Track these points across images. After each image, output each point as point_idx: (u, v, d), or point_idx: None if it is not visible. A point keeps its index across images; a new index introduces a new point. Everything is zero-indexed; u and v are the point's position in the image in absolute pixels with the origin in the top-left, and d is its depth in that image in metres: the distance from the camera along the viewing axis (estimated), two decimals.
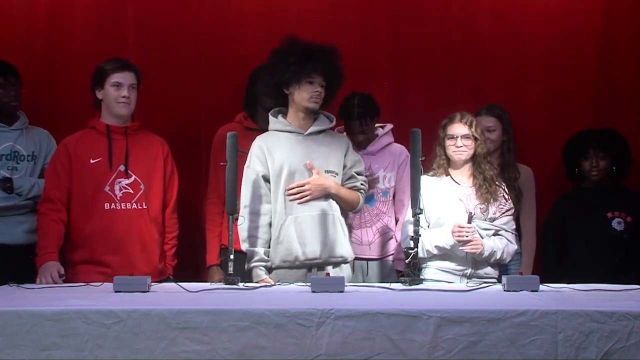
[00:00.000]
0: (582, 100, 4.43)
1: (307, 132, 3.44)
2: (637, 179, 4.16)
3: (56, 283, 3.21)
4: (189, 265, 3.94)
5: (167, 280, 3.54)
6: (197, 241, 3.98)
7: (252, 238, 3.35)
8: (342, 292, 2.86)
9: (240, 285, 3.04)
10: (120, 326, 2.47)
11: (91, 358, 2.46)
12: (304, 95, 3.37)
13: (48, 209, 3.46)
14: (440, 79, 4.41)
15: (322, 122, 3.48)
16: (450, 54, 4.42)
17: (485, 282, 3.27)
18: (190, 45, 4.40)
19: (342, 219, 3.45)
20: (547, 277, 3.27)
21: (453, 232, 3.37)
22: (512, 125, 4.04)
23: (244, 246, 3.36)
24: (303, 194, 3.34)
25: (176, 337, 2.47)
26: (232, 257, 3.13)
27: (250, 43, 4.38)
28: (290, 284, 3.18)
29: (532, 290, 2.89)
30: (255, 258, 3.33)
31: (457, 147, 3.50)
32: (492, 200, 3.50)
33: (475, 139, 3.52)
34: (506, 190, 3.61)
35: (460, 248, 3.38)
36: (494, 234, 3.51)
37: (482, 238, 3.44)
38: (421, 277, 3.37)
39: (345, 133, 3.84)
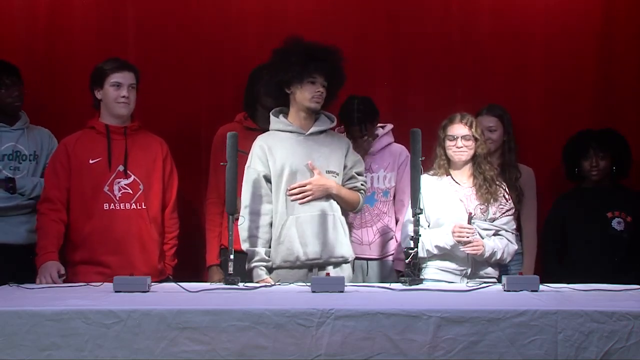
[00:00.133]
0: (582, 100, 4.43)
1: (308, 132, 3.44)
2: (637, 179, 4.16)
3: (56, 283, 3.21)
4: (189, 265, 3.94)
5: (166, 280, 3.54)
6: (197, 241, 3.98)
7: (253, 238, 3.35)
8: (342, 292, 2.86)
9: (240, 285, 3.04)
10: (120, 326, 2.47)
11: (91, 358, 2.46)
12: (305, 95, 3.38)
13: (48, 209, 3.46)
14: (440, 79, 4.41)
15: (323, 122, 3.49)
16: (450, 54, 4.42)
17: (485, 282, 3.27)
18: (190, 45, 4.40)
19: (343, 219, 3.46)
20: (547, 277, 3.27)
21: (453, 232, 3.38)
22: (512, 125, 4.04)
23: (245, 246, 3.36)
24: (304, 194, 3.35)
25: (176, 337, 2.47)
26: (232, 257, 3.12)
27: (250, 43, 4.38)
28: (290, 284, 3.18)
29: (532, 290, 2.89)
30: (256, 258, 3.33)
31: (457, 147, 3.50)
32: (492, 200, 3.50)
33: (476, 139, 3.52)
34: (507, 190, 3.61)
35: (462, 249, 3.38)
36: (494, 234, 3.52)
37: (483, 238, 3.44)
38: (421, 276, 3.37)
39: (345, 134, 3.84)
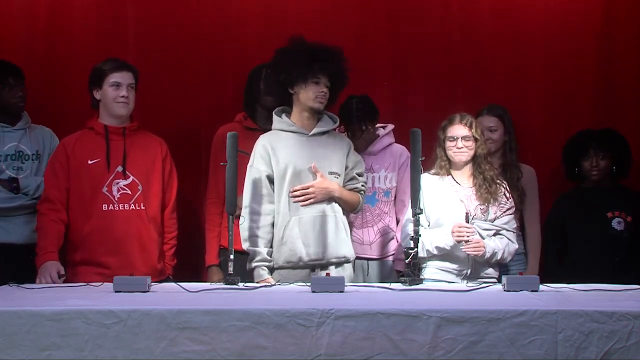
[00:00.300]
0: (582, 100, 4.43)
1: (311, 133, 3.45)
2: (637, 179, 4.16)
3: (56, 283, 3.21)
4: (189, 265, 3.94)
5: (166, 280, 3.54)
6: (197, 241, 3.98)
7: (255, 238, 3.35)
8: (342, 292, 2.86)
9: (240, 285, 3.04)
10: (120, 326, 2.47)
11: (91, 358, 2.46)
12: (309, 95, 3.39)
13: (48, 209, 3.46)
14: (440, 79, 4.41)
15: (326, 123, 3.50)
16: (450, 54, 4.42)
17: (485, 282, 3.27)
18: (190, 45, 4.40)
19: (345, 219, 3.48)
20: (547, 277, 3.27)
21: (453, 232, 3.38)
22: (513, 125, 4.04)
23: (246, 246, 3.36)
24: (307, 196, 3.36)
25: (176, 337, 2.46)
26: (232, 257, 3.12)
27: (250, 43, 4.38)
28: (290, 283, 3.18)
29: (532, 290, 2.89)
30: (258, 258, 3.34)
31: (457, 148, 3.50)
32: (492, 200, 3.50)
33: (476, 139, 3.52)
34: (507, 189, 3.61)
35: (462, 249, 3.37)
36: (495, 234, 3.51)
37: (483, 239, 3.44)
38: (421, 276, 3.37)
39: (345, 134, 3.85)
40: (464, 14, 4.45)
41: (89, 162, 3.53)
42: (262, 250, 3.35)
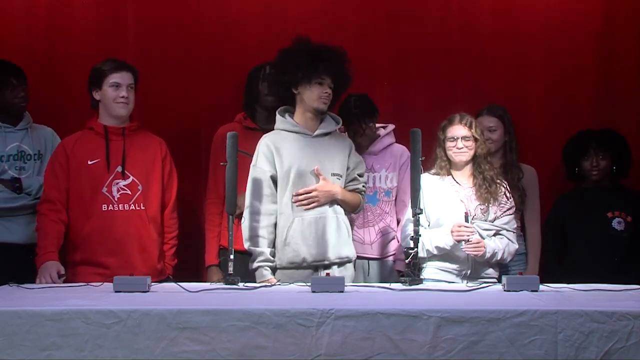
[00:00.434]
0: (582, 100, 4.43)
1: (314, 134, 3.46)
2: (637, 179, 4.16)
3: (56, 283, 3.21)
4: (189, 265, 3.94)
5: (166, 280, 3.54)
6: (197, 241, 3.98)
7: (257, 238, 3.36)
8: (342, 292, 2.86)
9: (240, 285, 3.04)
10: (120, 326, 2.47)
11: (91, 358, 2.46)
12: (313, 95, 3.40)
13: (48, 210, 3.46)
14: (440, 79, 4.41)
15: (329, 123, 3.51)
16: (450, 54, 4.42)
17: (485, 282, 3.27)
18: (190, 45, 4.40)
19: (346, 220, 3.50)
20: (547, 277, 3.27)
21: (452, 232, 3.37)
22: (513, 125, 4.04)
23: (248, 245, 3.37)
24: (310, 200, 3.37)
25: (176, 337, 2.46)
26: (232, 257, 3.12)
27: (250, 43, 4.38)
28: (290, 283, 3.18)
29: (532, 290, 2.89)
30: (261, 258, 3.34)
31: (458, 148, 3.50)
32: (492, 200, 3.50)
33: (476, 139, 3.52)
34: (508, 189, 3.60)
35: (463, 249, 3.37)
36: (495, 234, 3.51)
37: (483, 239, 3.44)
38: (421, 276, 3.37)
39: (346, 134, 3.85)
40: (464, 14, 4.45)
41: (89, 162, 3.53)
42: (265, 250, 3.35)
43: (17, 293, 2.92)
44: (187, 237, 3.88)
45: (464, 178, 3.56)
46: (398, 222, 3.88)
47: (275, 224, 3.40)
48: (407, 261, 3.17)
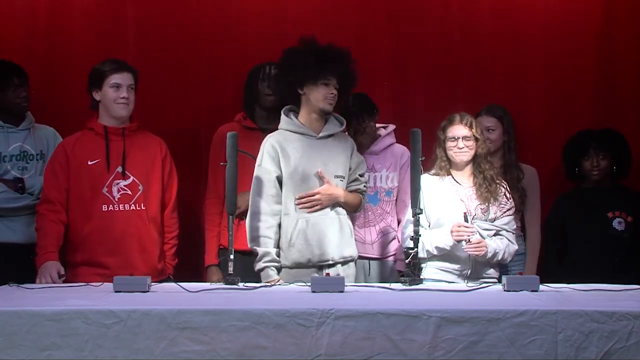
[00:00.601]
0: (582, 100, 4.43)
1: (319, 136, 3.46)
2: (637, 179, 4.16)
3: (56, 283, 3.21)
4: (189, 265, 3.94)
5: (167, 280, 3.54)
6: (197, 241, 3.98)
7: (263, 238, 3.37)
8: (342, 292, 2.86)
9: (240, 285, 3.04)
10: (120, 326, 2.47)
11: (91, 358, 2.46)
12: (319, 96, 3.40)
13: (47, 210, 3.46)
14: (440, 79, 4.41)
15: (334, 125, 3.53)
16: (450, 54, 4.42)
17: (485, 282, 3.27)
18: (190, 45, 4.40)
19: (349, 219, 3.52)
20: (547, 277, 3.27)
21: (452, 232, 3.37)
22: (513, 125, 4.04)
23: (253, 245, 3.38)
24: (313, 203, 3.38)
25: (176, 337, 2.47)
26: (232, 257, 3.12)
27: (250, 43, 4.38)
28: (290, 283, 3.18)
29: (532, 290, 2.89)
30: (267, 258, 3.35)
31: (458, 148, 3.50)
32: (492, 199, 3.50)
33: (476, 139, 3.52)
34: (508, 189, 3.60)
35: (464, 249, 3.37)
36: (495, 234, 3.51)
37: (484, 239, 3.43)
38: (421, 276, 3.37)
39: (346, 133, 3.85)
40: (464, 14, 4.45)
41: (89, 162, 3.53)
42: (271, 250, 3.37)
43: (17, 293, 2.93)
44: (187, 237, 3.88)
45: (464, 178, 3.56)
46: (399, 222, 3.88)
47: (279, 224, 3.40)
48: (407, 261, 3.17)
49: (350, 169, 3.53)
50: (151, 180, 3.61)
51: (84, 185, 3.51)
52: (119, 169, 3.55)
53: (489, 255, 3.42)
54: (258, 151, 3.61)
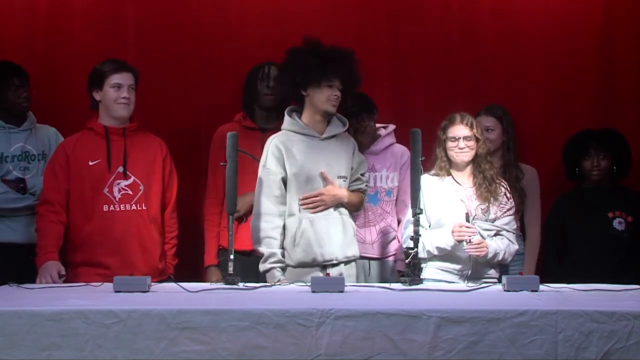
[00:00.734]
0: (582, 100, 4.43)
1: (322, 137, 3.47)
2: (637, 179, 4.16)
3: (56, 283, 3.21)
4: (189, 265, 3.94)
5: (168, 280, 3.54)
6: (197, 241, 3.98)
7: (269, 239, 3.38)
8: (342, 292, 2.86)
9: (240, 285, 3.04)
10: (120, 326, 2.47)
11: (91, 358, 2.46)
12: (322, 98, 3.41)
13: (47, 211, 3.46)
14: (440, 79, 4.41)
15: (337, 126, 3.53)
16: (450, 54, 4.42)
17: (485, 282, 3.27)
18: (190, 45, 4.40)
19: (352, 219, 3.54)
20: (547, 277, 3.27)
21: (453, 232, 3.37)
22: (513, 125, 4.04)
23: (259, 246, 3.39)
24: (317, 204, 3.40)
25: (176, 337, 2.46)
26: (231, 257, 3.12)
27: (250, 43, 4.37)
28: (290, 283, 3.18)
29: (532, 290, 2.89)
30: (273, 259, 3.37)
31: (459, 149, 3.50)
32: (492, 199, 3.50)
33: (477, 139, 3.52)
34: (508, 189, 3.60)
35: (465, 249, 3.36)
36: (495, 234, 3.51)
37: (484, 239, 3.43)
38: (421, 276, 3.37)
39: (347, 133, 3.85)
40: (464, 14, 4.45)
41: (90, 163, 3.52)
42: (277, 251, 3.38)
43: (17, 293, 2.92)
44: (187, 237, 3.88)
45: (464, 178, 3.55)
46: (399, 222, 3.88)
47: (284, 225, 3.41)
48: (407, 261, 3.17)
49: (352, 168, 3.54)
50: (152, 181, 3.61)
51: (85, 185, 3.51)
52: (120, 169, 3.55)
53: (490, 255, 3.42)
54: (258, 151, 3.62)
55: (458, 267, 3.46)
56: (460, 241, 3.36)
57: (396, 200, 3.91)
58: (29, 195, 3.84)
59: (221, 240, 3.87)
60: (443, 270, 3.48)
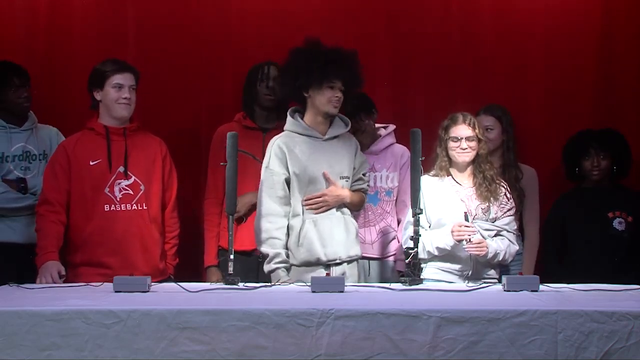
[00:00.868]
0: (582, 100, 4.43)
1: (325, 138, 3.47)
2: (637, 179, 4.16)
3: (56, 283, 3.21)
4: (189, 265, 3.94)
5: (168, 280, 3.54)
6: (197, 241, 3.98)
7: (273, 239, 3.38)
8: (342, 292, 2.86)
9: (240, 285, 3.04)
10: (120, 326, 2.47)
11: (91, 358, 2.46)
12: (323, 99, 3.41)
13: (47, 211, 3.46)
14: (440, 79, 4.41)
15: (339, 126, 3.53)
16: (450, 54, 4.42)
17: (485, 282, 3.27)
18: (190, 45, 4.40)
19: (354, 219, 3.56)
20: (547, 277, 3.27)
21: (452, 231, 3.37)
22: (513, 125, 4.04)
23: (263, 247, 3.39)
24: (320, 204, 3.42)
25: (176, 337, 2.46)
26: (231, 257, 3.12)
27: (250, 43, 4.37)
28: (291, 283, 3.18)
29: (532, 290, 2.89)
30: (278, 259, 3.37)
31: (462, 149, 3.49)
32: (492, 199, 3.49)
33: (479, 140, 3.51)
34: (508, 189, 3.60)
35: (465, 248, 3.36)
36: (495, 235, 3.51)
37: (485, 239, 3.43)
38: (421, 276, 3.37)
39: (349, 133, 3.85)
40: (464, 14, 4.45)
41: (90, 163, 3.53)
42: (281, 251, 3.38)
43: (17, 293, 2.92)
44: (187, 237, 3.88)
45: (464, 178, 3.55)
46: (398, 222, 3.88)
47: (288, 226, 3.42)
48: (407, 261, 3.17)
49: (354, 168, 3.55)
50: (152, 180, 3.61)
51: (86, 185, 3.51)
52: (121, 168, 3.55)
53: (490, 255, 3.42)
54: (258, 151, 3.62)
55: (458, 267, 3.46)
56: (459, 241, 3.36)
57: (396, 200, 3.91)
58: (29, 195, 3.84)
59: (221, 240, 3.87)
60: (443, 270, 3.48)
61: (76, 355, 2.46)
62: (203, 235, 3.94)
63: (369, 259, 3.84)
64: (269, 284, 3.17)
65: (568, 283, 3.04)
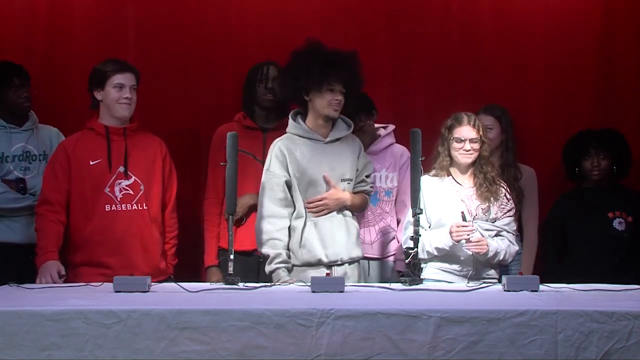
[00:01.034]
0: (582, 100, 4.43)
1: (327, 140, 3.47)
2: (637, 179, 4.16)
3: (56, 283, 3.21)
4: (189, 265, 3.94)
5: (168, 280, 3.54)
6: (197, 241, 3.98)
7: (274, 241, 3.38)
8: (342, 292, 2.86)
9: (240, 285, 3.04)
10: (120, 326, 2.47)
11: (91, 358, 2.46)
12: (324, 102, 3.41)
13: (46, 211, 3.46)
14: (440, 79, 4.41)
15: (341, 128, 3.53)
16: (450, 54, 4.42)
17: (485, 282, 3.27)
18: (190, 45, 4.40)
19: (355, 221, 3.55)
20: (547, 277, 3.27)
21: (451, 232, 3.37)
22: (512, 125, 4.04)
23: (264, 248, 3.39)
24: (321, 207, 3.42)
25: (176, 337, 2.46)
26: (232, 257, 3.12)
27: (250, 43, 4.38)
28: (291, 283, 3.18)
29: (532, 290, 2.89)
30: (278, 260, 3.37)
31: (465, 150, 3.48)
32: (492, 199, 3.49)
33: (482, 142, 3.50)
34: (508, 190, 3.60)
35: (465, 247, 3.36)
36: (495, 235, 3.51)
37: (485, 238, 3.43)
38: (421, 276, 3.37)
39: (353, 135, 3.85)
40: (464, 14, 4.45)
41: (91, 162, 3.53)
42: (282, 252, 3.38)
43: (17, 293, 2.92)
44: (187, 237, 3.89)
45: (465, 178, 3.55)
46: (398, 222, 3.88)
47: (289, 227, 3.42)
48: (407, 261, 3.17)
49: (357, 170, 3.54)
50: (152, 180, 3.61)
51: (86, 185, 3.51)
52: (121, 168, 3.55)
53: (490, 254, 3.41)
54: (258, 151, 3.61)
55: (458, 267, 3.46)
56: (459, 241, 3.36)
57: (395, 200, 3.91)
58: (29, 196, 3.84)
59: (221, 240, 3.87)
60: (443, 270, 3.48)
61: (76, 355, 2.46)
62: (203, 235, 3.94)
63: (369, 259, 3.84)
64: (269, 284, 3.18)
65: (568, 283, 3.04)
